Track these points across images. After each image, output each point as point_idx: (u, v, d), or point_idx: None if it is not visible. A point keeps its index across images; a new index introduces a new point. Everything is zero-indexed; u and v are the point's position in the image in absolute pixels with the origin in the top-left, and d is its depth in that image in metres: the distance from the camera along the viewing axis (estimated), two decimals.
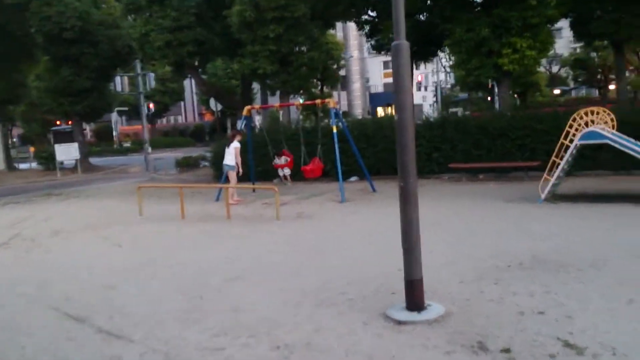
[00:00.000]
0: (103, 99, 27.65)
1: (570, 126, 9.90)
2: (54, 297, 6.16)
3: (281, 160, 13.32)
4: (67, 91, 25.85)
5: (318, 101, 12.92)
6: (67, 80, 25.50)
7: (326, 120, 16.65)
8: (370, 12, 18.34)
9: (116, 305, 5.70)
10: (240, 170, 12.78)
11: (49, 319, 5.48)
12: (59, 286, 6.58)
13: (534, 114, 14.36)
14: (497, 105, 32.32)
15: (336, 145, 12.02)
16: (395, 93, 4.50)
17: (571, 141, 9.58)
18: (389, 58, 68.69)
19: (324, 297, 5.46)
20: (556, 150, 9.93)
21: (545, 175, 10.09)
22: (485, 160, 14.01)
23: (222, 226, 9.98)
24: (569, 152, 9.50)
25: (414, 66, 18.91)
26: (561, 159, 9.66)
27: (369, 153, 14.75)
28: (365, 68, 58.93)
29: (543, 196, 9.75)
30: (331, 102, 12.41)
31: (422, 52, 18.44)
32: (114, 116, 54.08)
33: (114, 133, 55.48)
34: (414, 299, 4.59)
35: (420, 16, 17.44)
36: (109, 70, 26.86)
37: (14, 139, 66.20)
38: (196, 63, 20.89)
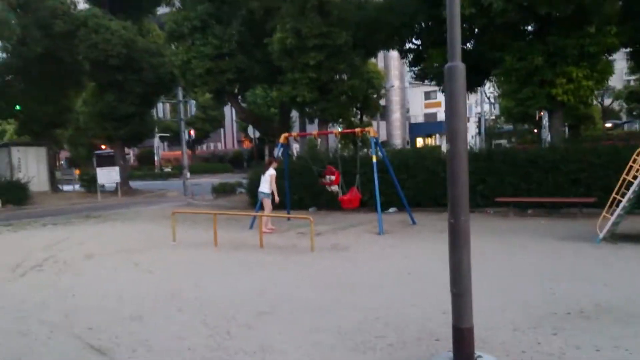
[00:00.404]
0: (145, 125, 28.09)
1: (634, 161, 9.16)
2: (79, 325, 5.89)
3: (327, 179, 12.91)
4: (111, 116, 26.34)
5: (357, 130, 12.55)
6: (111, 105, 26.01)
7: (365, 150, 16.22)
8: (413, 40, 18.01)
9: (141, 338, 5.37)
10: (277, 198, 12.51)
11: (69, 349, 5.20)
12: (85, 314, 6.31)
13: (591, 147, 13.50)
14: (544, 138, 31.39)
15: (375, 175, 11.61)
16: (449, 118, 4.09)
17: (634, 177, 8.85)
18: (430, 88, 68.65)
19: (360, 340, 4.98)
20: (617, 186, 9.18)
21: (604, 213, 9.28)
22: (535, 194, 13.26)
23: (254, 255, 9.63)
24: (632, 188, 8.75)
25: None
26: (622, 196, 8.93)
27: (409, 184, 14.25)
28: (406, 98, 58.55)
29: (602, 235, 8.99)
30: (371, 131, 12.04)
31: (469, 82, 17.84)
32: (156, 141, 55.13)
33: (156, 158, 56.44)
34: (463, 350, 4.07)
35: (467, 44, 16.96)
36: (151, 96, 27.31)
37: (62, 162, 68.40)
38: (236, 90, 20.94)
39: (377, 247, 9.93)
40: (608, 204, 9.19)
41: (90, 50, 23.93)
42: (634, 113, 42.32)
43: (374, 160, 11.77)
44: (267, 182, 12.45)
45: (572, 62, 13.15)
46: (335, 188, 12.88)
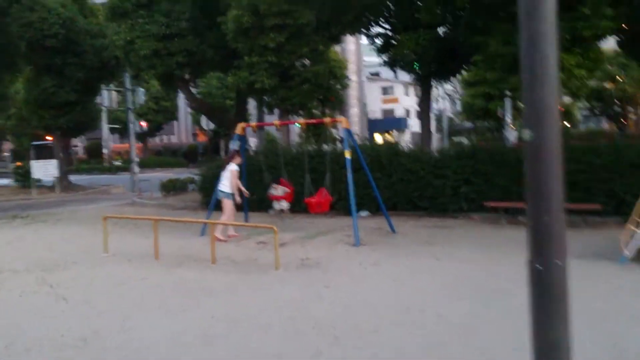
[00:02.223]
0: (87, 114, 25.51)
1: None
2: None
3: (278, 192, 11.19)
4: (49, 104, 23.73)
5: (327, 119, 10.78)
6: (49, 92, 23.40)
7: (338, 145, 14.49)
8: (382, 24, 16.39)
9: None
10: (238, 198, 10.74)
11: None
12: None
13: (592, 145, 11.93)
14: (508, 136, 30.40)
15: (349, 174, 9.91)
16: (532, 89, 2.39)
17: None
18: (388, 83, 67.84)
19: None
20: None
21: (629, 225, 7.69)
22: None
23: (203, 274, 7.79)
24: None
25: (431, 87, 16.87)
26: None
27: (383, 184, 12.59)
28: (363, 93, 57.22)
29: (629, 254, 7.39)
30: (344, 122, 10.24)
31: (443, 71, 16.36)
32: (105, 133, 51.99)
33: (104, 150, 53.24)
34: None
35: (442, 28, 15.44)
36: (94, 82, 24.84)
37: (5, 154, 63.95)
38: (187, 76, 18.84)
39: (356, 265, 8.13)
40: (633, 212, 7.70)
41: (24, 29, 21.32)
42: (596, 112, 42.12)
43: (348, 156, 10.02)
44: (228, 180, 10.64)
45: (563, 48, 11.71)
46: (284, 205, 11.17)
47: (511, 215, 11.66)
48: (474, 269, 7.66)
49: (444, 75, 17.21)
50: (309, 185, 10.81)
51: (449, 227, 11.51)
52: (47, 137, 37.70)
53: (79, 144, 66.08)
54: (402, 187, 12.92)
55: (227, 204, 10.71)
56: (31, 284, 7.45)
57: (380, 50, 16.98)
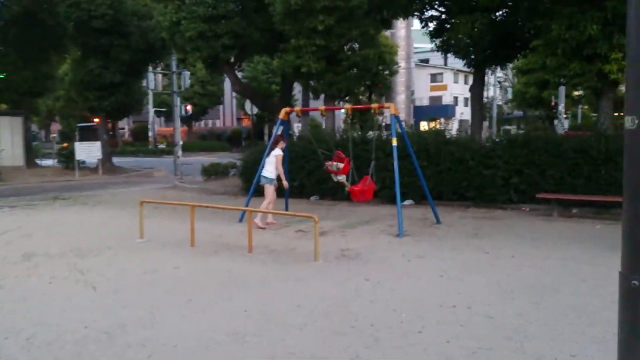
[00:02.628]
0: (132, 96, 25.49)
1: None
2: None
3: (333, 167, 10.59)
4: (94, 85, 23.78)
5: (375, 105, 10.09)
6: (95, 73, 23.42)
7: (384, 132, 13.78)
8: (437, 7, 15.51)
9: None
10: (286, 183, 10.38)
11: None
12: None
13: None
14: (559, 125, 28.87)
15: (396, 162, 9.27)
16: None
17: None
18: (437, 70, 66.30)
19: None
20: None
21: None
22: (583, 191, 10.98)
23: (239, 263, 7.33)
24: None
25: (485, 74, 15.89)
26: None
27: (429, 173, 11.89)
28: (411, 79, 55.90)
29: None
30: (392, 108, 9.57)
31: (499, 56, 15.35)
32: (151, 116, 52.64)
33: (150, 133, 53.88)
34: None
35: (498, 13, 14.46)
36: (140, 65, 24.74)
37: (54, 135, 65.65)
38: (232, 59, 18.42)
39: (399, 257, 7.60)
40: None
41: (71, 10, 21.34)
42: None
43: (394, 143, 9.35)
44: (271, 165, 10.17)
45: None
46: (342, 178, 10.54)
47: (563, 208, 10.88)
48: (523, 264, 7.09)
49: (499, 62, 16.18)
50: (353, 173, 10.20)
51: (497, 218, 10.90)
52: (95, 120, 38.40)
53: (125, 126, 67.26)
54: (449, 176, 12.23)
55: (269, 190, 10.24)
56: (63, 269, 7.13)
57: (434, 35, 16.12)
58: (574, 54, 11.37)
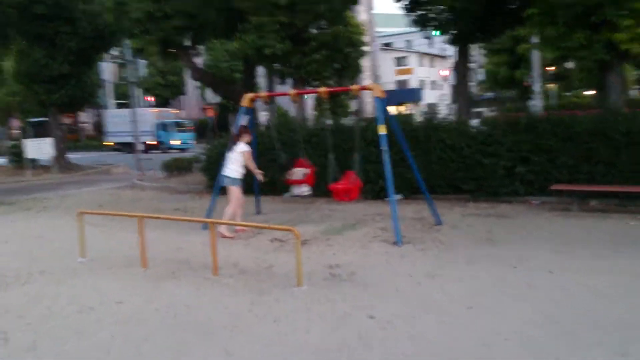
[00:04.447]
0: (84, 88, 23.53)
1: None
2: None
3: (297, 174, 9.24)
4: (41, 77, 21.82)
5: (355, 87, 8.66)
6: (41, 64, 21.48)
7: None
8: None
9: None
10: (260, 176, 9.06)
11: None
12: None
13: None
14: (534, 106, 27.92)
15: (386, 154, 7.90)
16: None
17: None
18: (401, 54, 65.21)
19: None
20: None
21: None
22: (600, 180, 9.61)
23: (201, 293, 5.88)
24: None
25: (465, 51, 14.59)
26: None
27: (419, 164, 10.50)
28: (377, 64, 54.64)
29: None
30: (376, 89, 8.17)
31: (487, 28, 13.90)
32: (112, 108, 50.16)
33: None
34: None
35: None
36: (90, 53, 22.74)
37: (15, 131, 62.28)
38: (187, 43, 16.76)
39: (405, 277, 6.11)
40: None
41: None
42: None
43: (382, 132, 7.94)
44: (236, 163, 8.72)
45: None
46: (305, 190, 9.22)
47: (581, 200, 9.61)
48: (570, 284, 5.60)
49: (489, 35, 14.80)
50: (334, 168, 8.82)
51: (505, 216, 9.44)
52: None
53: (89, 120, 64.44)
54: (441, 166, 10.89)
55: (234, 192, 8.80)
56: None
57: (409, 9, 14.76)
58: (577, 23, 10.08)
